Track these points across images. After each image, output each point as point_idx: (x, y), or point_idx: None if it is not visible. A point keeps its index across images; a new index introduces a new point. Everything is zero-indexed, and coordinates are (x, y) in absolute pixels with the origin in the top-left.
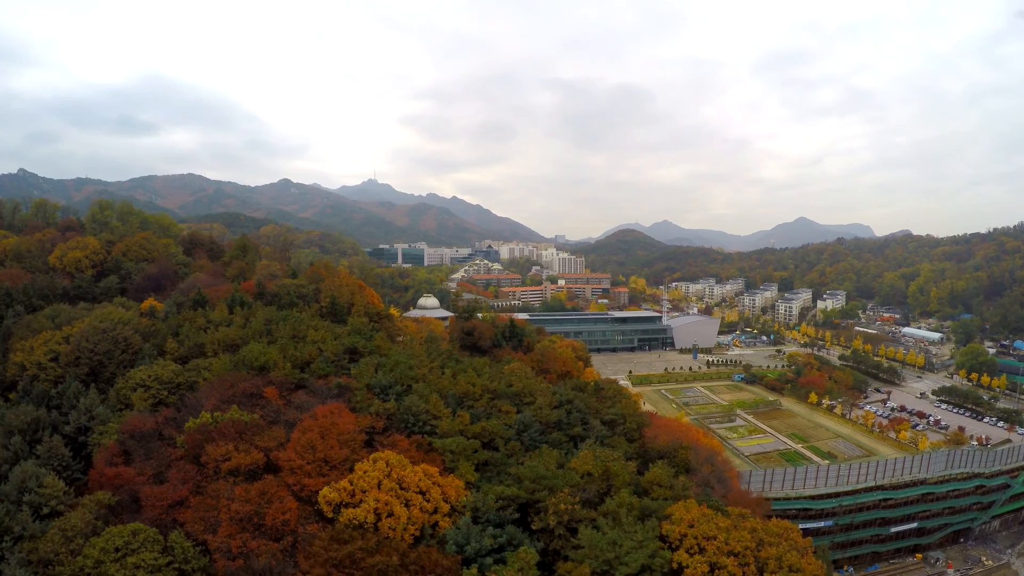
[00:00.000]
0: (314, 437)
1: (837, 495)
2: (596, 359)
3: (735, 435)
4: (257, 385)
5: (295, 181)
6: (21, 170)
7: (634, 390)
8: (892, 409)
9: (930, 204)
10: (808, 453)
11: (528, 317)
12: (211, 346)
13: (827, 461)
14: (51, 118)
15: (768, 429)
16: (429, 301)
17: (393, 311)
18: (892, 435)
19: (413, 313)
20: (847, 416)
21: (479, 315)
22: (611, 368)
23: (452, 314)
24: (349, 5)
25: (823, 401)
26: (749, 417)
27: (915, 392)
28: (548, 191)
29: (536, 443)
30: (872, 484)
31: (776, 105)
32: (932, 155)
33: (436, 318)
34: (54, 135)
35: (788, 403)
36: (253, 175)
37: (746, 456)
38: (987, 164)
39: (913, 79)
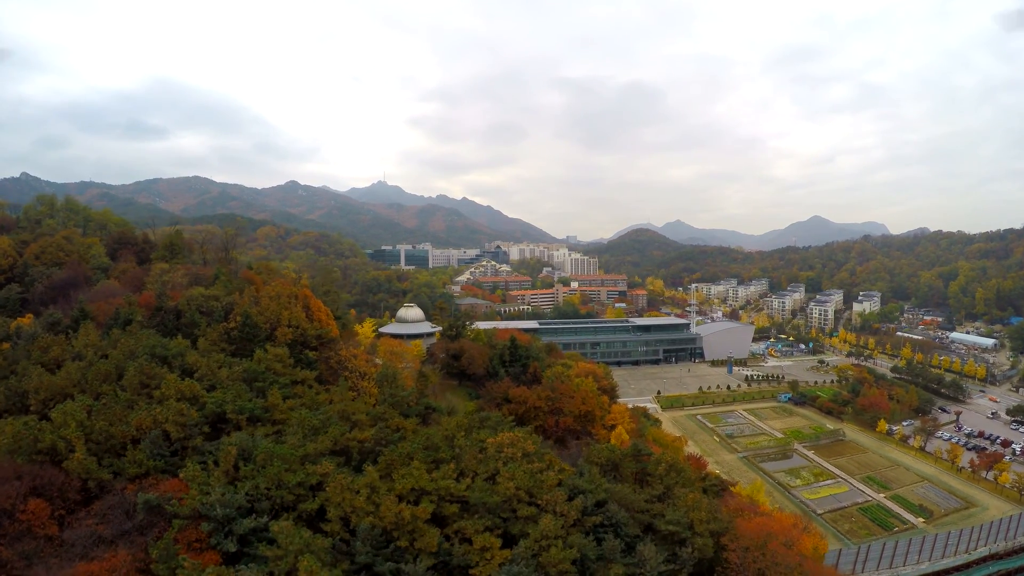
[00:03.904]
0: None
1: (946, 573)
2: (617, 374)
3: (799, 481)
4: (17, 493)
5: (304, 184)
6: (24, 174)
7: (664, 416)
8: (968, 435)
9: (944, 201)
10: (894, 507)
11: (538, 325)
12: (34, 396)
13: (921, 519)
14: (60, 123)
15: (837, 471)
16: (411, 312)
17: (365, 326)
18: (986, 474)
19: (390, 328)
20: (925, 448)
21: (475, 325)
22: (635, 386)
23: (440, 328)
24: (352, 6)
25: (893, 429)
26: (810, 453)
27: (984, 411)
28: (559, 192)
29: None
30: (985, 553)
31: (787, 103)
32: (945, 152)
33: (420, 335)
34: (63, 140)
35: (851, 432)
36: (263, 179)
37: (819, 515)
38: (1001, 160)
39: (925, 74)
